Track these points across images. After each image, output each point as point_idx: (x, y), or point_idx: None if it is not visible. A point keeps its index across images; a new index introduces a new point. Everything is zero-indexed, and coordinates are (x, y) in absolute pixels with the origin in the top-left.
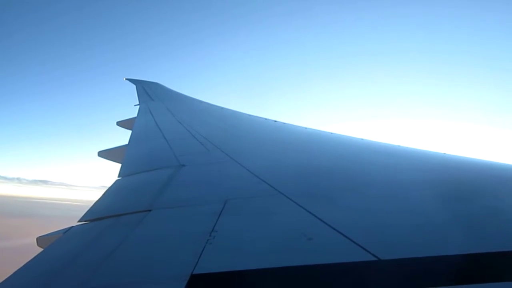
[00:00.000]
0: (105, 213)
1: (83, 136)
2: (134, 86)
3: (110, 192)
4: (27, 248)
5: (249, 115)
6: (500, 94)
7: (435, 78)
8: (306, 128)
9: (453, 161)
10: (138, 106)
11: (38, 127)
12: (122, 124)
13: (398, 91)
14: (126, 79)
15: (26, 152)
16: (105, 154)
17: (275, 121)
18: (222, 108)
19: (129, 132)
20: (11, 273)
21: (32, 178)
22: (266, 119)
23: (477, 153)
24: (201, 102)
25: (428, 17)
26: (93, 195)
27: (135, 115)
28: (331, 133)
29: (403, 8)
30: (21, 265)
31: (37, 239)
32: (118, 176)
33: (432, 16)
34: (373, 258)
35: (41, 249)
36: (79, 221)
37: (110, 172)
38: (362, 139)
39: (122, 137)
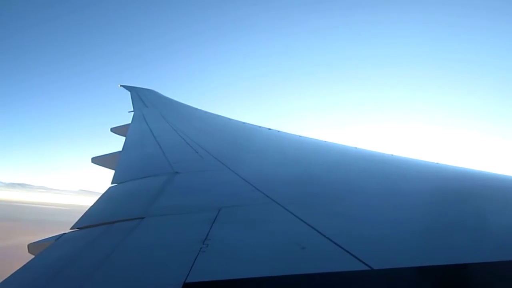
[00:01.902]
0: (98, 220)
1: (75, 141)
2: (129, 93)
3: (104, 199)
4: (9, 251)
5: (244, 123)
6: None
7: (429, 83)
8: (300, 136)
9: (444, 171)
10: (133, 113)
11: (26, 130)
12: (116, 130)
13: (393, 97)
14: (121, 85)
15: (6, 155)
16: (99, 160)
17: (269, 129)
18: (217, 115)
19: (123, 138)
20: None
21: (9, 181)
22: (260, 127)
23: (470, 161)
24: (196, 109)
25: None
26: (74, 200)
27: (130, 121)
28: (325, 141)
29: (399, 11)
30: (6, 266)
31: (28, 245)
32: (112, 183)
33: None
34: (366, 268)
35: (31, 255)
36: (71, 228)
37: (101, 178)
38: (355, 147)
39: (116, 143)
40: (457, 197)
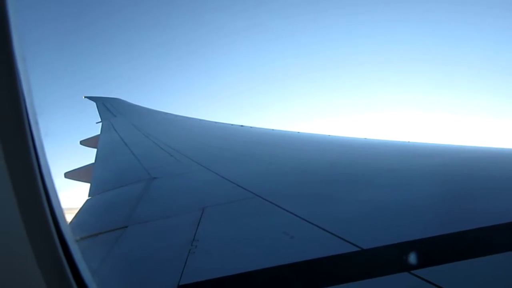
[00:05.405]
0: (79, 235)
1: None
2: (94, 104)
3: (83, 213)
4: None
5: (215, 122)
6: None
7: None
8: (273, 130)
9: (419, 148)
10: (101, 123)
11: None
12: (85, 143)
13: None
14: (85, 97)
15: None
16: (72, 174)
17: (242, 125)
18: (187, 117)
19: (94, 150)
20: None
21: None
22: (232, 124)
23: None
24: (165, 113)
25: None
26: None
27: (98, 132)
28: (298, 132)
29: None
30: None
31: None
32: (89, 196)
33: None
34: (357, 249)
35: None
36: None
37: (67, 193)
38: (328, 135)
39: (86, 156)
40: (434, 173)
